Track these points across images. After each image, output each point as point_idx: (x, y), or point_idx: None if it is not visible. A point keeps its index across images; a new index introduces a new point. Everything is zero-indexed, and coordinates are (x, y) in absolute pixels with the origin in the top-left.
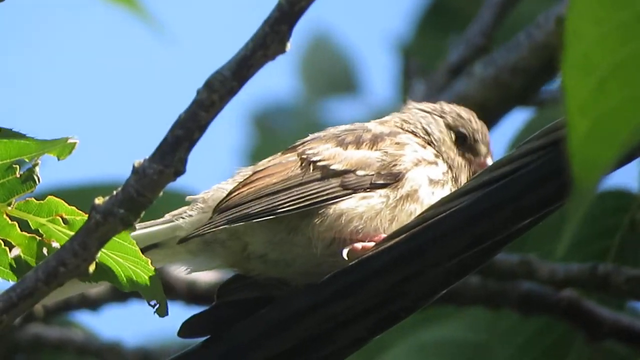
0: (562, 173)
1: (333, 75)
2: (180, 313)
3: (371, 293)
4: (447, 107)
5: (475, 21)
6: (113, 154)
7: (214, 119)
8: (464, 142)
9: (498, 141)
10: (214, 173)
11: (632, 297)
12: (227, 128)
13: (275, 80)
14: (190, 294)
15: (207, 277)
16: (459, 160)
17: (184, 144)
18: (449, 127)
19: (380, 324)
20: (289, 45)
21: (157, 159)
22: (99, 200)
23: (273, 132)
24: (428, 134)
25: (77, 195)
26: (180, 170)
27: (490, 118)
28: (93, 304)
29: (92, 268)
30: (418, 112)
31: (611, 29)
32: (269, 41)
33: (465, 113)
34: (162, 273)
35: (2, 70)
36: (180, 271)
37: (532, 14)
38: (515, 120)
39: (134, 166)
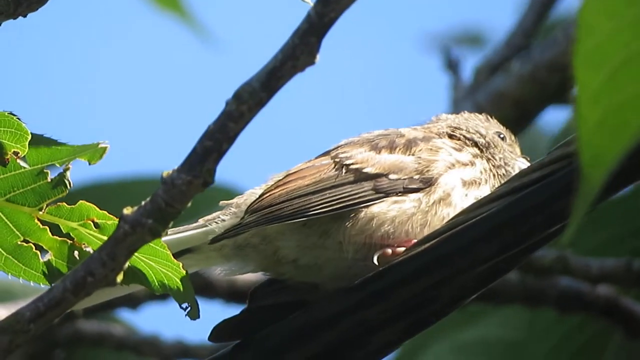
0: None
1: None
2: (220, 311)
3: (401, 298)
4: (477, 115)
5: (518, 21)
6: (157, 156)
7: (242, 130)
8: (506, 141)
9: (535, 138)
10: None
11: None
12: None
13: None
14: (230, 292)
15: (247, 275)
16: (507, 157)
17: (213, 155)
18: (490, 130)
19: (410, 329)
20: (318, 57)
21: (186, 170)
22: (127, 211)
23: None
24: (482, 135)
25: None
26: (208, 181)
27: (527, 115)
28: (133, 302)
29: (120, 278)
30: (467, 119)
31: (624, 23)
32: (298, 52)
33: (489, 118)
34: (202, 272)
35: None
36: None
37: (569, 11)
38: (554, 117)
39: (162, 177)
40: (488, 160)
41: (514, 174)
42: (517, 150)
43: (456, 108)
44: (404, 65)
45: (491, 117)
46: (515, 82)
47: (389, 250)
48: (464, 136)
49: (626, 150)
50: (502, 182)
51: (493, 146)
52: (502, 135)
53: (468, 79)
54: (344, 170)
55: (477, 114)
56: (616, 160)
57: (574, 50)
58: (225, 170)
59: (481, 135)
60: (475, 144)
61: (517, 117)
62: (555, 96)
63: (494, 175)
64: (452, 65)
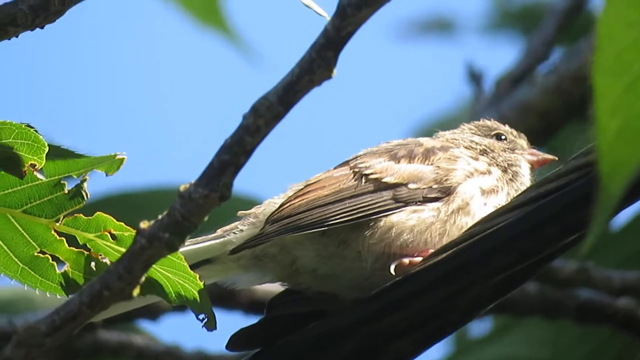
0: None
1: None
2: (239, 321)
3: (418, 308)
4: (472, 124)
5: (538, 30)
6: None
7: (260, 144)
8: (505, 140)
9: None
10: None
11: None
12: None
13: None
14: (250, 302)
15: (267, 286)
16: (510, 157)
17: (230, 169)
18: (487, 135)
19: (427, 339)
20: (335, 71)
21: (203, 184)
22: (144, 225)
23: None
24: (477, 144)
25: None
26: (226, 195)
27: (553, 126)
28: (153, 312)
29: (136, 292)
30: (462, 131)
31: None
32: (315, 67)
33: (488, 122)
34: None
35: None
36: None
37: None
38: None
39: (179, 190)
40: (497, 165)
41: (522, 171)
42: (524, 143)
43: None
44: (378, 53)
45: (489, 120)
46: (540, 94)
47: (406, 260)
48: (463, 145)
49: None
50: (512, 184)
51: (490, 151)
52: (502, 136)
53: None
54: (363, 180)
55: (468, 124)
56: (635, 169)
57: (593, 60)
58: (242, 179)
59: (477, 143)
60: (483, 153)
61: (543, 129)
62: (581, 107)
63: (506, 181)
64: (474, 78)
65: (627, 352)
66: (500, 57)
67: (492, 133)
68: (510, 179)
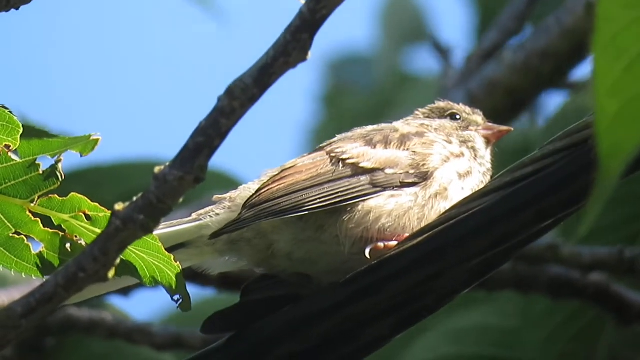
0: (584, 174)
1: (410, 26)
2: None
3: (393, 292)
4: (426, 107)
5: (509, 6)
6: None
7: (234, 126)
8: (459, 119)
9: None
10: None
11: None
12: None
13: (351, 31)
14: (222, 280)
15: None
16: (463, 135)
17: (205, 151)
18: (442, 116)
19: (402, 323)
20: (310, 53)
21: (178, 166)
22: (119, 207)
23: (347, 84)
24: (428, 126)
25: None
26: (200, 177)
27: (521, 103)
28: (124, 288)
29: (111, 274)
30: (415, 117)
31: None
32: (290, 49)
33: (442, 103)
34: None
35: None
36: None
37: None
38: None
39: (154, 172)
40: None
41: (478, 146)
42: (479, 119)
43: (447, 96)
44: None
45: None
46: (508, 71)
47: (381, 244)
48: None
49: None
50: (476, 159)
51: (442, 131)
52: (456, 116)
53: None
54: (340, 165)
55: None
56: (634, 151)
57: (592, 41)
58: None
59: (429, 126)
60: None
61: (511, 105)
62: (548, 83)
63: (474, 160)
64: (442, 52)
65: (596, 324)
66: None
67: (446, 114)
68: (474, 157)
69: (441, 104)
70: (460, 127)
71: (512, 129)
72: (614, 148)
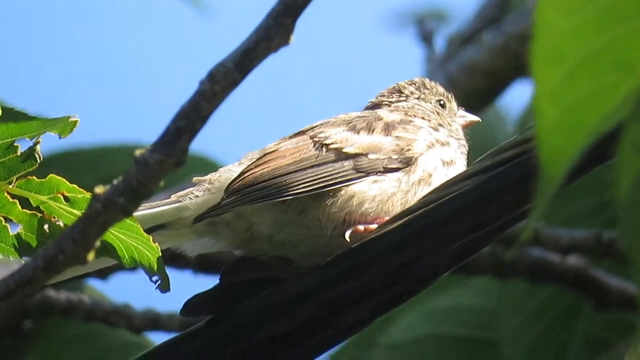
0: None
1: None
2: (189, 281)
3: (373, 275)
4: (413, 87)
5: None
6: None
7: (216, 110)
8: (445, 107)
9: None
10: None
11: None
12: None
13: None
14: (200, 262)
15: None
16: (454, 126)
17: (186, 135)
18: (431, 100)
19: (382, 306)
20: (292, 38)
21: (159, 149)
22: (99, 189)
23: None
24: (430, 115)
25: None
26: (181, 161)
27: (499, 86)
28: (102, 271)
29: (91, 257)
30: (406, 97)
31: (583, 20)
32: (272, 34)
33: (426, 82)
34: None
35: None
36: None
37: None
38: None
39: (135, 156)
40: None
41: (463, 141)
42: (455, 106)
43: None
44: (371, 43)
45: (430, 82)
46: (486, 54)
47: (361, 227)
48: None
49: (583, 149)
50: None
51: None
52: (442, 102)
53: (441, 51)
54: (324, 150)
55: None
56: (574, 158)
57: (531, 48)
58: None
59: (416, 111)
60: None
61: (489, 88)
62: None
63: (460, 152)
64: (425, 37)
65: (573, 308)
66: None
67: (435, 99)
68: (461, 150)
69: (427, 83)
70: (448, 115)
71: (480, 119)
72: (555, 154)
